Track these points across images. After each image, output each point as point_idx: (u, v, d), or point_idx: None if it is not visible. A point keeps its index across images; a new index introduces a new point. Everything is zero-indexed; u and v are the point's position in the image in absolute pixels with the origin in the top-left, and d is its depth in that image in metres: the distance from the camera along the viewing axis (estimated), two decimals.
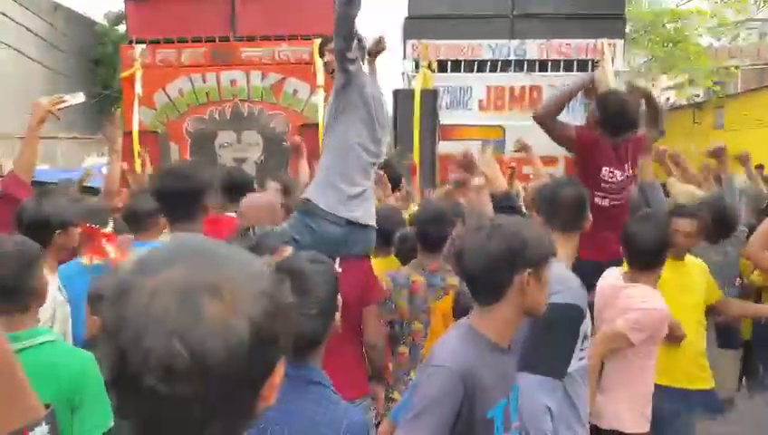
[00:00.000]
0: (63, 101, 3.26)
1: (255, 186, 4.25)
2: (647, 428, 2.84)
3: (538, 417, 2.03)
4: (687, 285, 3.29)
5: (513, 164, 5.73)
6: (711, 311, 3.51)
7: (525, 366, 2.10)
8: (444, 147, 7.97)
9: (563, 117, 3.61)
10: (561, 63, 8.71)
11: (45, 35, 13.43)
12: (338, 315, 1.82)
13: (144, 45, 7.59)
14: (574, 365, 2.25)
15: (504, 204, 2.91)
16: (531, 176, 5.68)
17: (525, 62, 8.81)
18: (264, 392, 0.82)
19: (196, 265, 0.77)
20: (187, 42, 7.63)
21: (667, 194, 4.54)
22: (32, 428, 0.83)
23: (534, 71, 8.80)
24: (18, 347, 1.83)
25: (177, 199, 2.64)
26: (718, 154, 4.63)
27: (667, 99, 23.29)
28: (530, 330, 2.18)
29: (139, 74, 7.47)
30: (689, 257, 3.44)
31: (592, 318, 2.56)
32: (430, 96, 7.89)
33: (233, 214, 3.57)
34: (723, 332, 3.86)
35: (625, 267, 3.01)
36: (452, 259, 3.36)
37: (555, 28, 8.59)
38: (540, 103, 3.54)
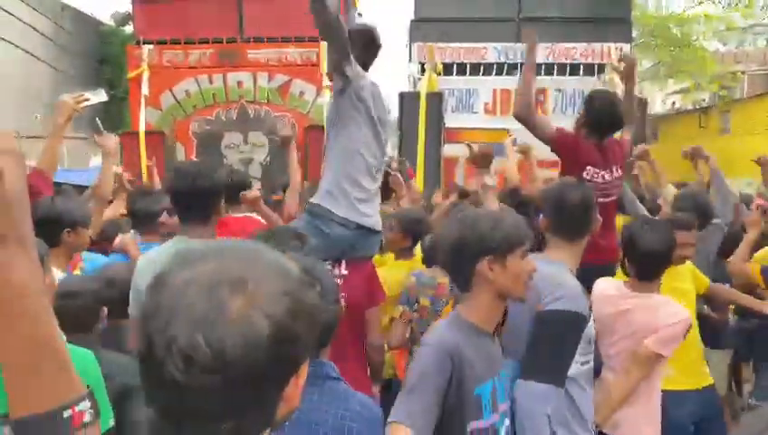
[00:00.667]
0: (86, 99, 3.27)
1: (261, 189, 4.28)
2: None
3: (538, 426, 2.04)
4: (680, 288, 3.25)
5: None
6: (700, 300, 3.50)
7: (527, 374, 2.11)
8: (449, 150, 7.96)
9: (570, 124, 3.54)
10: (568, 67, 8.69)
11: (52, 35, 13.44)
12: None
13: (151, 46, 7.61)
14: (577, 370, 2.24)
15: (515, 200, 2.90)
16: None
17: None
18: (287, 392, 0.82)
19: (227, 261, 0.80)
20: (193, 43, 7.64)
21: (641, 196, 4.53)
22: (77, 402, 0.85)
23: (540, 74, 8.77)
24: None
25: (194, 199, 2.55)
26: (695, 156, 4.61)
27: (673, 103, 23.25)
28: (532, 337, 2.18)
29: (145, 75, 7.49)
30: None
31: None
32: (436, 99, 7.86)
33: (238, 215, 3.57)
34: (710, 333, 3.85)
35: (621, 277, 2.94)
36: (430, 253, 3.39)
37: (562, 32, 8.52)
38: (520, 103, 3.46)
